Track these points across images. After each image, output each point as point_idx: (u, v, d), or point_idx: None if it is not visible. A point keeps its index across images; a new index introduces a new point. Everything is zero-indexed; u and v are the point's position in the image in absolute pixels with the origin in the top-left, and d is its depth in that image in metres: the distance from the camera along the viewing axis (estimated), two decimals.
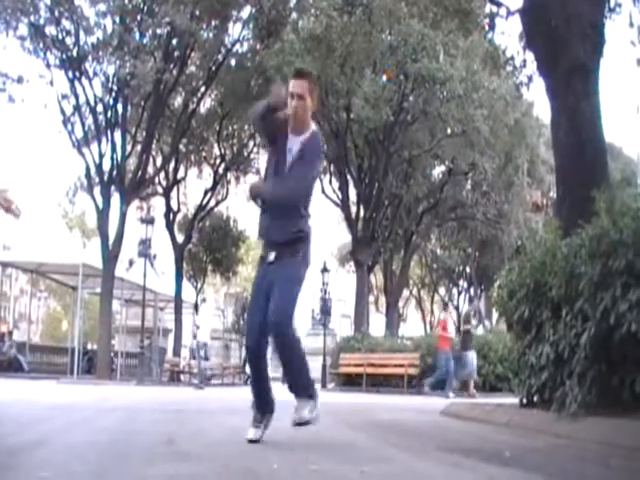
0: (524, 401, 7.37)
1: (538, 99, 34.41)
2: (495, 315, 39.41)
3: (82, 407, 9.59)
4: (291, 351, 5.01)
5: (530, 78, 15.46)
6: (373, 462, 4.13)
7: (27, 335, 33.33)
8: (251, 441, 4.97)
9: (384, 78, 27.39)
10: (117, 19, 25.94)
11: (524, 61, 15.24)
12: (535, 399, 7.09)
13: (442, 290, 55.47)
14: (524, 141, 32.58)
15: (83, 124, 27.21)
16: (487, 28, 17.46)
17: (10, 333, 30.90)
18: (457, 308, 52.55)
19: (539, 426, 6.14)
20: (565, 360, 6.01)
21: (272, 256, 5.06)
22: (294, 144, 5.07)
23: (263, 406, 5.16)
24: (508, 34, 24.32)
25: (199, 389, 20.74)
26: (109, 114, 27.33)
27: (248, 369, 5.12)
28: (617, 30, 14.50)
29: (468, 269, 47.28)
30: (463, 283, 51.05)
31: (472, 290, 48.93)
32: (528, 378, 7.03)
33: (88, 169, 27.41)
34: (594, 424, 5.36)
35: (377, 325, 40.44)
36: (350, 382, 23.17)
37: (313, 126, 5.19)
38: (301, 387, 5.09)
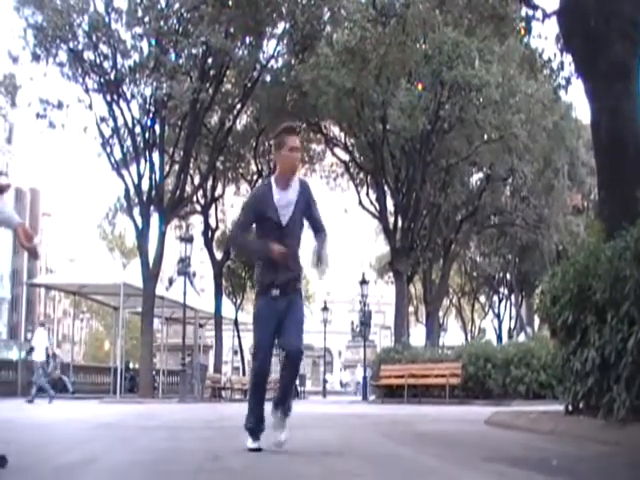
0: (569, 408, 7.24)
1: (577, 100, 34.05)
2: (537, 322, 38.98)
3: (126, 426, 9.63)
4: (297, 373, 5.89)
5: (568, 80, 15.22)
6: (419, 474, 4.07)
7: (71, 356, 33.71)
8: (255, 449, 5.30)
9: (419, 87, 27.30)
10: (153, 41, 26.23)
11: (561, 63, 15.01)
12: (581, 406, 6.96)
13: (482, 298, 55.01)
14: (563, 144, 32.19)
15: (122, 146, 27.48)
16: (523, 32, 17.30)
17: (54, 355, 31.25)
18: (498, 316, 52.07)
19: (586, 433, 6.02)
20: (611, 365, 5.89)
21: (277, 292, 5.44)
22: (284, 197, 5.44)
23: (263, 422, 5.44)
24: (545, 37, 24.10)
25: (30, 403, 19.93)
26: (147, 135, 27.58)
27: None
28: None
29: (508, 276, 46.82)
30: (504, 290, 50.53)
31: (513, 297, 48.45)
32: (573, 384, 6.89)
33: (127, 190, 27.69)
34: None
35: (417, 335, 40.22)
36: (391, 394, 23.02)
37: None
38: (288, 407, 5.51)
